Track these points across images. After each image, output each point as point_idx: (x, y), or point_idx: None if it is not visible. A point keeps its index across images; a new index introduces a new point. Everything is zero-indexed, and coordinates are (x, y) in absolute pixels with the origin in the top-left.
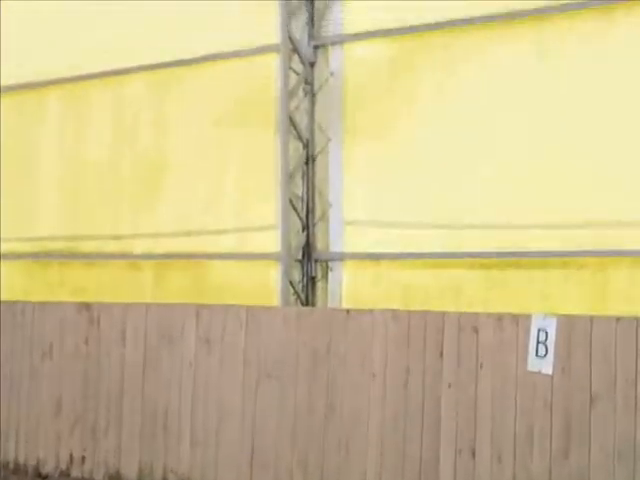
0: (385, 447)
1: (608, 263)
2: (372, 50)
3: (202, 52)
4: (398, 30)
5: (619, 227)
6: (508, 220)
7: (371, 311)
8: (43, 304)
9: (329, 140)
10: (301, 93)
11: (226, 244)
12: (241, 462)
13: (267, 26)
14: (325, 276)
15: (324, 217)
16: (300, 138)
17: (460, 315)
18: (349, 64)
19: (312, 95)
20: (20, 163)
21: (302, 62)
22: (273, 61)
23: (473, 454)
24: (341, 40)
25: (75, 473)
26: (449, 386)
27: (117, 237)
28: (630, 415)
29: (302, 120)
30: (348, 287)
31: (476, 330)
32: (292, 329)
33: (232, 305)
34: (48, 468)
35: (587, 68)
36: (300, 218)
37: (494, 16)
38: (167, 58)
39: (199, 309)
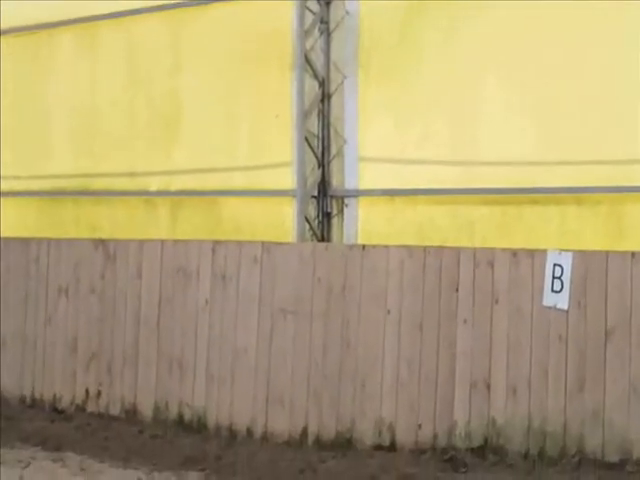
0: (400, 382)
1: (624, 199)
2: None
3: None
4: None
5: (635, 163)
6: (523, 156)
7: (386, 247)
8: (58, 241)
9: (345, 78)
10: (317, 32)
11: (242, 181)
12: (256, 398)
13: None
14: (340, 212)
15: (339, 154)
16: (316, 76)
17: (475, 250)
18: (365, 3)
19: (328, 34)
20: (33, 102)
21: (318, 1)
22: (289, 0)
23: (488, 388)
24: None
25: (91, 408)
26: (464, 321)
27: (132, 174)
28: None
29: (318, 59)
30: (363, 223)
31: (491, 265)
32: (307, 265)
33: (247, 241)
34: (64, 403)
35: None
36: (315, 155)
37: None
38: None
39: (215, 245)
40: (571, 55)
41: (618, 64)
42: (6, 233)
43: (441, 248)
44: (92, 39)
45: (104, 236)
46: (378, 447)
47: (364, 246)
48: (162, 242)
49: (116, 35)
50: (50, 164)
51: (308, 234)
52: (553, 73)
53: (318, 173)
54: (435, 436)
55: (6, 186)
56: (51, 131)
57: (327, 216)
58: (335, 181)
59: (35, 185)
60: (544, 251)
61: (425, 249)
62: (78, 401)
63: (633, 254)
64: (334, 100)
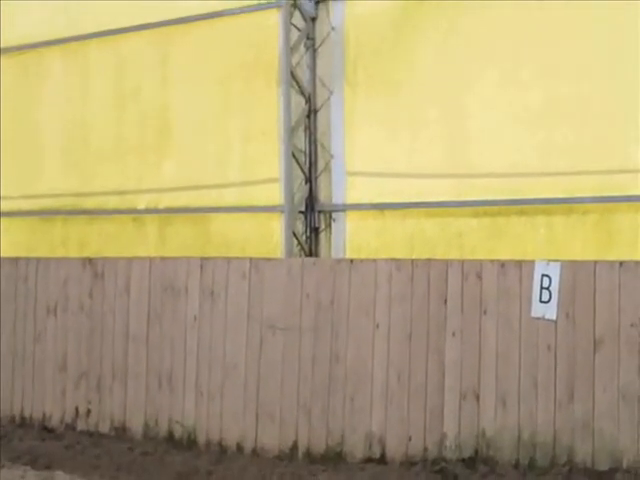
0: (390, 395)
1: (612, 209)
2: (373, 5)
3: (204, 10)
4: None
5: (623, 173)
6: (511, 168)
7: (374, 260)
8: (47, 260)
9: (331, 94)
10: (303, 48)
11: (230, 198)
12: (246, 414)
13: None
14: (328, 227)
15: (326, 169)
16: (302, 92)
17: (463, 262)
18: (350, 19)
19: (314, 50)
20: (23, 121)
21: (303, 18)
22: (275, 17)
23: (477, 400)
24: None
25: (81, 426)
26: (453, 334)
27: (121, 192)
28: (634, 360)
29: (304, 75)
30: (351, 238)
31: (480, 277)
32: (296, 280)
33: (235, 257)
34: (54, 422)
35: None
36: (303, 171)
37: None
38: (169, 16)
39: (203, 262)
40: (558, 67)
41: (608, 75)
42: None
43: (429, 260)
44: (82, 58)
45: (92, 254)
46: (368, 460)
47: (352, 260)
48: (150, 259)
49: (105, 53)
50: (41, 183)
51: (296, 249)
52: (540, 85)
53: (305, 188)
54: (425, 448)
55: None
56: (42, 150)
57: (315, 231)
58: (323, 196)
59: (25, 205)
60: (532, 262)
61: (413, 261)
62: (68, 419)
63: (621, 263)
64: (320, 115)
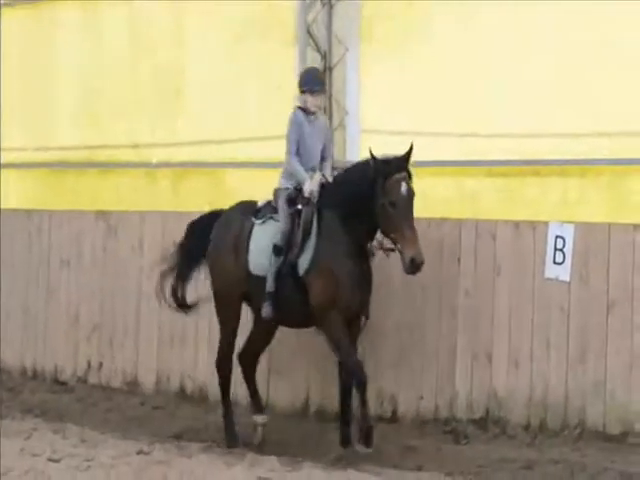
0: (403, 351)
1: (626, 171)
2: None
3: None
4: None
5: (636, 136)
6: (526, 129)
7: None
8: (60, 213)
9: (346, 51)
10: (319, 5)
11: (243, 153)
12: (258, 368)
13: None
14: None
15: (341, 125)
16: (318, 49)
17: (477, 222)
18: None
19: (330, 7)
20: (37, 75)
21: None
22: None
23: (489, 360)
24: None
25: (92, 380)
26: (466, 292)
27: (135, 146)
28: None
29: (320, 32)
30: None
31: (493, 237)
32: None
33: None
34: (66, 375)
35: None
36: None
37: None
38: None
39: None
40: (572, 30)
41: (620, 38)
42: (9, 204)
43: (443, 220)
44: (95, 12)
45: (105, 208)
46: (380, 418)
47: None
48: (163, 214)
49: (119, 7)
50: (54, 136)
51: None
52: (555, 47)
53: None
54: (437, 407)
55: (9, 157)
56: (55, 104)
57: None
58: (337, 152)
59: (38, 157)
60: (546, 223)
61: (427, 220)
62: (80, 373)
63: (635, 226)
64: (336, 72)
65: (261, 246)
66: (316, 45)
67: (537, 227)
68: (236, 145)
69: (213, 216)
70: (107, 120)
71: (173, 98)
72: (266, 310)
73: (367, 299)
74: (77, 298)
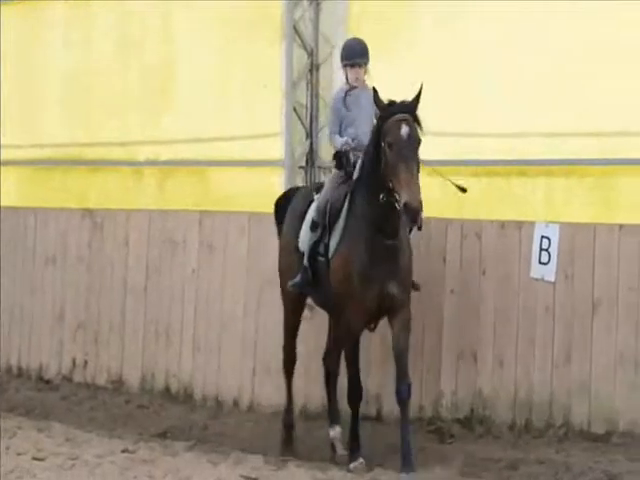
0: (388, 350)
1: (611, 172)
2: None
3: None
4: None
5: (622, 136)
6: (512, 128)
7: None
8: (46, 210)
9: (333, 48)
10: (306, 2)
11: (230, 151)
12: (243, 369)
13: None
14: None
15: (327, 124)
16: (305, 47)
17: (463, 222)
18: None
19: (317, 4)
20: (26, 70)
21: None
22: None
23: (475, 359)
24: None
25: (77, 378)
26: (452, 292)
27: (122, 144)
28: (632, 323)
29: (307, 29)
30: None
31: (479, 237)
32: None
33: (235, 212)
34: (51, 373)
35: None
36: (304, 126)
37: None
38: None
39: (202, 216)
40: (557, 31)
41: (606, 38)
42: None
43: (428, 219)
44: (85, 10)
45: (92, 205)
46: (365, 417)
47: None
48: (150, 212)
49: (108, 5)
50: (41, 133)
51: None
52: (540, 47)
53: (306, 143)
54: (421, 407)
55: None
56: (44, 100)
57: None
58: (323, 151)
59: (26, 154)
60: (532, 223)
61: None
62: (65, 371)
63: (620, 226)
64: (323, 70)
65: (308, 221)
66: (303, 43)
67: (523, 227)
68: (223, 143)
69: (292, 192)
70: (96, 118)
71: (161, 96)
72: (295, 281)
73: (397, 289)
74: (62, 296)
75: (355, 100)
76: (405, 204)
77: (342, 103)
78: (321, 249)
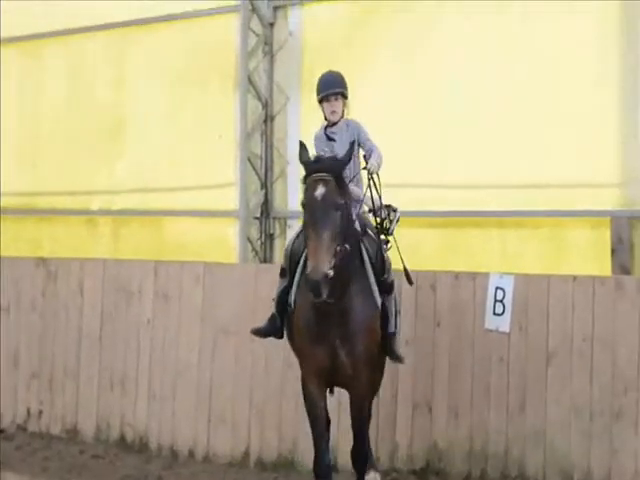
0: (343, 404)
1: (564, 223)
2: (330, 11)
3: (162, 11)
4: None
5: (575, 187)
6: (466, 179)
7: None
8: None
9: (287, 99)
10: (260, 53)
11: (184, 201)
12: (198, 418)
13: None
14: (283, 233)
15: (282, 175)
16: (259, 98)
17: (417, 273)
18: (308, 25)
19: (271, 55)
20: None
21: (261, 23)
22: (233, 21)
23: (430, 410)
24: (300, 1)
25: (32, 428)
26: (406, 343)
27: (73, 193)
28: (586, 373)
29: (261, 80)
30: None
31: (434, 288)
32: (249, 285)
33: (189, 262)
34: (5, 422)
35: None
36: (259, 176)
37: None
38: (126, 17)
39: (157, 265)
40: (510, 84)
41: (558, 92)
42: None
43: None
44: (37, 57)
45: (45, 254)
46: None
47: None
48: (104, 261)
49: (60, 53)
50: None
51: (251, 255)
52: (491, 99)
53: (261, 194)
54: (377, 458)
55: None
56: None
57: (270, 237)
58: (278, 202)
59: None
60: (486, 274)
61: None
62: (19, 420)
63: (574, 277)
64: (277, 121)
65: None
66: (257, 94)
67: (477, 278)
68: (177, 193)
69: None
70: (46, 166)
71: (113, 145)
72: (257, 327)
73: (347, 359)
74: (16, 344)
75: (336, 136)
76: (306, 276)
77: (324, 142)
78: (290, 298)
